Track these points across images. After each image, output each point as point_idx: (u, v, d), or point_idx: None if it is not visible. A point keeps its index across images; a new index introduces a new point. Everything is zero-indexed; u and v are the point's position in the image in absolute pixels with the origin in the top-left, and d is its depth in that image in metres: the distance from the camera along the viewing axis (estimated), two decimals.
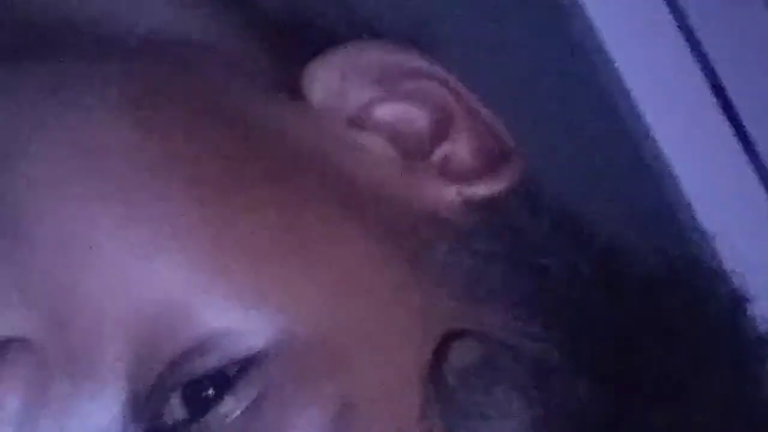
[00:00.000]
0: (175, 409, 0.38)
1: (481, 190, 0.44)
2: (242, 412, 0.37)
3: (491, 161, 0.44)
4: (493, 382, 0.40)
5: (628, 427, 0.41)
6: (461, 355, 0.40)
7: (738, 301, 0.45)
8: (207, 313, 0.38)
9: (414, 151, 0.44)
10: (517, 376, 0.40)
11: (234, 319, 0.38)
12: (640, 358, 0.42)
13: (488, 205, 0.43)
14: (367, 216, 0.41)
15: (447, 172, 0.44)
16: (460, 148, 0.44)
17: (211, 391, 0.38)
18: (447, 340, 0.40)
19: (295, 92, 0.43)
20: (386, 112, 0.44)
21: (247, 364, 0.38)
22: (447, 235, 0.42)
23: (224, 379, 0.38)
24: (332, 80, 0.43)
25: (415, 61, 0.44)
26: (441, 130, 0.44)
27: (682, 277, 0.45)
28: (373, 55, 0.44)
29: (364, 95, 0.44)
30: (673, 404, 0.42)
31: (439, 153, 0.44)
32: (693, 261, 0.46)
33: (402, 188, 0.43)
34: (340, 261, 0.40)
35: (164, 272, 0.38)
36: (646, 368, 0.42)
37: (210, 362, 0.38)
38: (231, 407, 0.37)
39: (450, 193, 0.43)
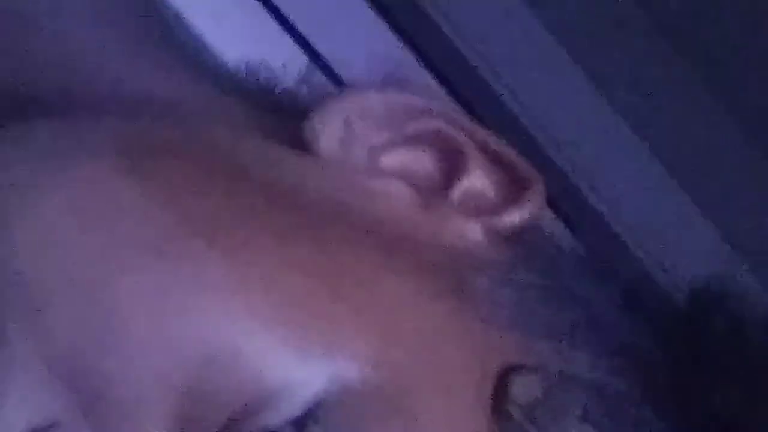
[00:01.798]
0: None
1: (506, 220, 0.42)
2: None
3: (511, 191, 0.43)
4: (562, 414, 0.38)
5: None
6: (524, 389, 0.38)
7: None
8: (259, 362, 0.35)
9: (430, 191, 0.42)
10: (584, 405, 0.39)
11: (290, 369, 0.36)
12: (693, 386, 0.41)
13: (518, 235, 0.42)
14: (401, 256, 0.40)
15: (469, 208, 0.42)
16: (477, 182, 0.43)
17: None
18: (506, 375, 0.38)
19: (298, 145, 0.42)
20: (395, 156, 0.42)
21: (306, 419, 0.35)
22: (484, 269, 0.41)
23: None
24: (337, 129, 0.42)
25: (416, 101, 0.43)
26: (454, 167, 0.43)
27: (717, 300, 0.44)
28: (374, 99, 0.43)
29: (370, 141, 0.42)
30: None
31: (457, 190, 0.42)
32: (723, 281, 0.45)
33: (427, 227, 0.41)
34: (382, 302, 0.38)
35: (205, 324, 0.36)
36: (701, 396, 0.41)
37: (269, 419, 0.35)
38: None
39: (476, 228, 0.42)
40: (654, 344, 0.42)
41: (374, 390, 0.36)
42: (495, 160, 0.43)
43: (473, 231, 0.42)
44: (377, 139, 0.42)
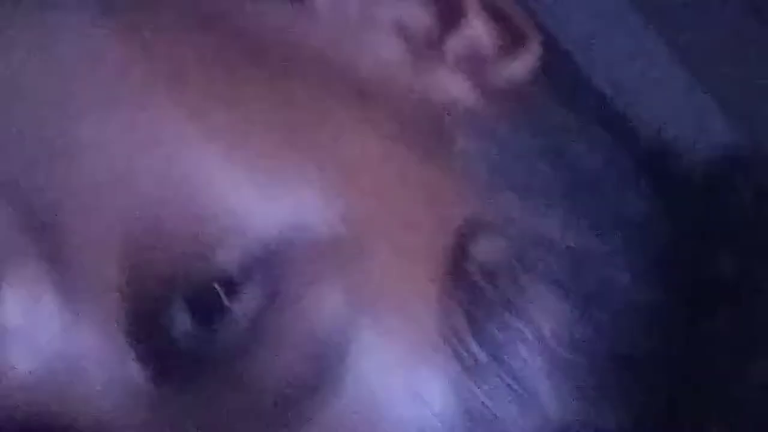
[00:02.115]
0: (181, 321, 0.35)
1: (499, 77, 0.41)
2: (252, 317, 0.35)
3: (506, 45, 0.42)
4: (523, 275, 0.37)
5: (686, 330, 0.39)
6: (486, 248, 0.37)
7: None
8: (221, 198, 0.35)
9: (424, 44, 0.41)
10: (550, 267, 0.38)
11: (248, 209, 0.35)
12: (700, 259, 0.40)
13: (510, 93, 0.41)
14: (382, 110, 0.39)
15: (462, 63, 0.41)
16: (473, 37, 0.42)
17: (218, 298, 0.35)
18: (469, 232, 0.37)
19: None
20: (389, 6, 0.41)
21: (255, 263, 0.35)
22: (469, 126, 0.40)
23: (232, 283, 0.35)
24: None
25: None
26: (451, 20, 0.42)
27: (742, 171, 0.43)
28: None
29: None
30: (739, 308, 0.39)
31: (451, 44, 0.41)
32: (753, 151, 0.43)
33: (417, 82, 0.40)
34: (349, 152, 0.38)
35: (164, 160, 0.35)
36: (706, 269, 0.40)
37: (217, 262, 0.35)
38: (240, 313, 0.35)
39: (467, 84, 0.41)
40: (660, 216, 0.41)
41: (330, 240, 0.36)
42: (494, 15, 0.42)
43: (464, 86, 0.41)
44: None
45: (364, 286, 0.36)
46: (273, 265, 0.35)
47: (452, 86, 0.41)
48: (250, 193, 0.36)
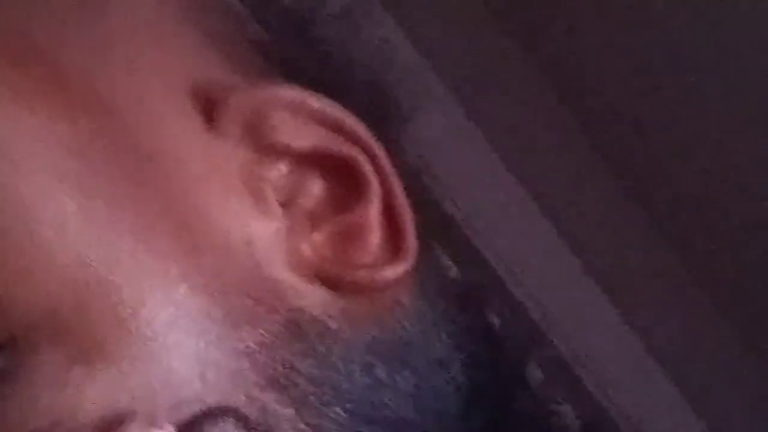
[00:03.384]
0: None
1: (347, 277, 0.40)
2: None
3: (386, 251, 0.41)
4: None
5: None
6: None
7: None
8: None
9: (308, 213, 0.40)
10: None
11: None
12: None
13: (362, 298, 0.40)
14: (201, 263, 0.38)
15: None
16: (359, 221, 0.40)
17: None
18: (215, 413, 0.36)
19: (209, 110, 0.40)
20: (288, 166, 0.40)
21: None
22: (288, 321, 0.38)
23: None
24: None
25: (348, 118, 0.41)
26: (344, 196, 0.41)
27: None
28: (316, 104, 0.41)
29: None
30: None
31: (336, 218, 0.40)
32: None
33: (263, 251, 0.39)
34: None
35: None
36: None
37: None
38: None
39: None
40: None
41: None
42: (389, 213, 0.41)
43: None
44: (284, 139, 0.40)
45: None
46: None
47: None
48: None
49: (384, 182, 0.41)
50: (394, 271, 0.40)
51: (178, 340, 0.36)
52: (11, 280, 0.35)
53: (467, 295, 0.45)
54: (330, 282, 0.39)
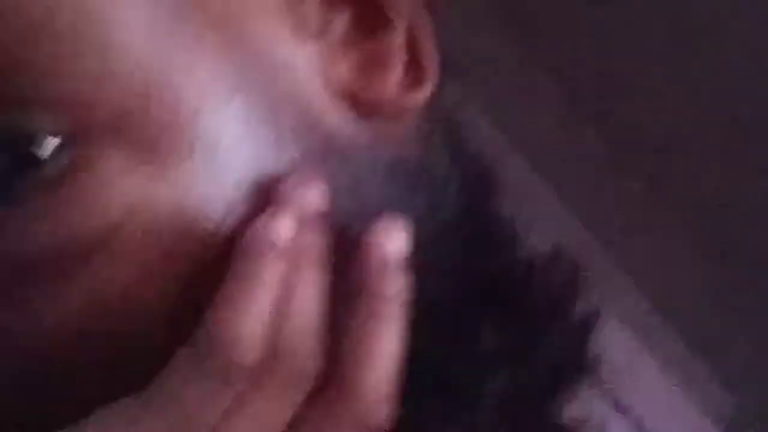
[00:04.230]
0: None
1: (374, 101, 0.43)
2: (50, 183, 0.37)
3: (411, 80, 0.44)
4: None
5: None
6: None
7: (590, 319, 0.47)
8: (50, 72, 0.37)
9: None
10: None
11: (70, 90, 0.37)
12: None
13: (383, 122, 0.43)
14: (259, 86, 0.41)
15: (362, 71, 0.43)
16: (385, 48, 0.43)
17: (22, 153, 0.37)
18: None
19: None
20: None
21: (69, 140, 0.37)
22: (321, 138, 0.42)
23: (39, 145, 0.37)
24: None
25: None
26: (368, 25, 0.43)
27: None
28: None
29: None
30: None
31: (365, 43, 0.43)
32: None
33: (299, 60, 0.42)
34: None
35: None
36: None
37: (33, 124, 0.37)
38: (39, 175, 0.37)
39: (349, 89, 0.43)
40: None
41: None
42: (413, 43, 0.44)
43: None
44: None
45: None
46: (83, 140, 0.37)
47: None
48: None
49: (409, 12, 0.43)
50: (416, 96, 0.43)
51: (234, 148, 0.39)
52: (81, 78, 0.37)
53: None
54: (358, 105, 0.42)
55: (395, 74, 0.43)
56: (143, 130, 0.38)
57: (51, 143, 0.37)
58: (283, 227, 0.38)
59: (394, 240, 0.40)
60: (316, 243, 0.39)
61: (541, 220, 0.49)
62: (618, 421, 1.77)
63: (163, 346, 0.37)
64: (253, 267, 0.37)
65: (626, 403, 1.80)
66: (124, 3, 0.38)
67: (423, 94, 0.43)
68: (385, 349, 0.38)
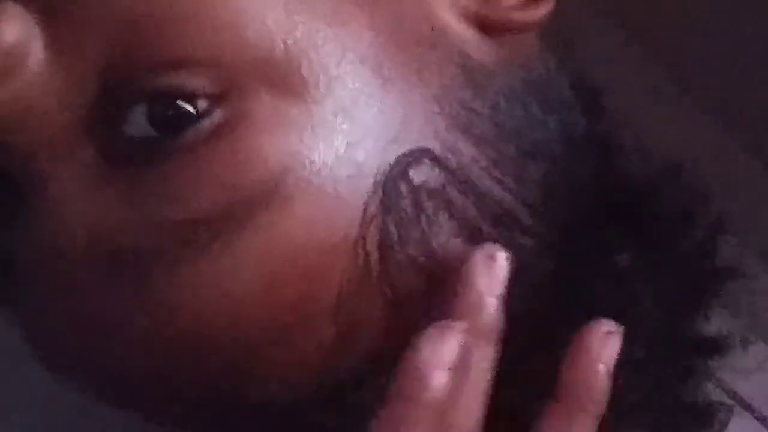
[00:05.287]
0: (138, 123, 0.38)
1: (501, 18, 0.44)
2: (208, 138, 0.38)
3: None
4: (440, 208, 0.40)
5: (563, 301, 0.41)
6: (423, 173, 0.40)
7: (717, 228, 0.46)
8: (200, 30, 0.38)
9: None
10: (465, 213, 0.40)
11: (220, 45, 0.38)
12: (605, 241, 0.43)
13: (509, 42, 0.44)
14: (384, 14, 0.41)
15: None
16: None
17: (180, 111, 0.38)
18: (417, 156, 0.40)
19: None
20: None
21: (223, 94, 0.38)
22: (459, 64, 0.42)
23: (195, 102, 0.38)
24: None
25: None
26: None
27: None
28: None
29: None
30: (620, 296, 0.43)
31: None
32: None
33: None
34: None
35: None
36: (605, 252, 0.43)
37: (189, 81, 0.38)
38: (197, 132, 0.38)
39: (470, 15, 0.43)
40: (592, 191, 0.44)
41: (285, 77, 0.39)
42: None
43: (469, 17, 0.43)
44: None
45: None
46: (236, 96, 0.38)
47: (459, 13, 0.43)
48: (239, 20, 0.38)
49: None
50: (538, 12, 0.44)
51: (379, 88, 0.39)
52: (227, 31, 0.38)
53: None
54: (484, 26, 0.43)
55: None
56: (292, 75, 0.38)
57: (205, 101, 0.38)
58: (454, 347, 0.36)
59: (608, 348, 0.40)
60: (493, 324, 0.38)
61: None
62: (746, 418, 1.73)
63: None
64: (419, 393, 0.36)
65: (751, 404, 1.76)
66: None
67: (545, 8, 0.44)
68: None
